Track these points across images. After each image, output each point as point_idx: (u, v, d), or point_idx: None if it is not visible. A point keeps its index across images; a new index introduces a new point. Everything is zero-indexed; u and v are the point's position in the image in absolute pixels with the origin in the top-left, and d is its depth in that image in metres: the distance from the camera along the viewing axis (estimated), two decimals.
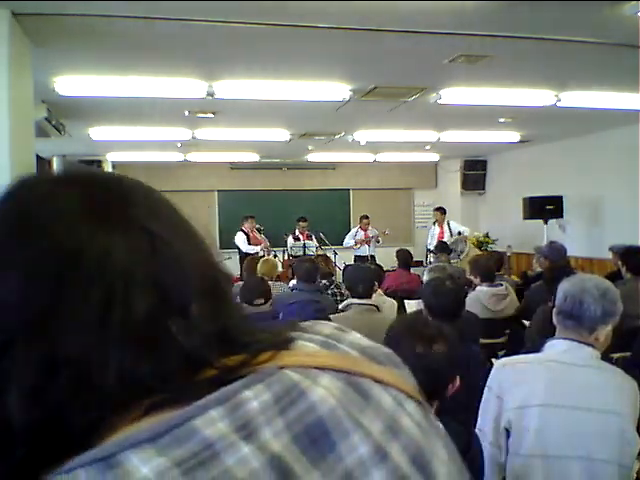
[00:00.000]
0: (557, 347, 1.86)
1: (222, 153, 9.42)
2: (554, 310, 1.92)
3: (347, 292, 3.87)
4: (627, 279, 4.26)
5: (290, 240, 8.82)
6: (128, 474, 0.40)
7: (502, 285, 4.32)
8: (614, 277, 4.76)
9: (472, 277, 4.43)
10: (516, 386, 1.77)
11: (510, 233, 9.63)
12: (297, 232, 9.00)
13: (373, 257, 9.04)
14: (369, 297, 3.53)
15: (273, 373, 0.48)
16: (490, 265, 4.46)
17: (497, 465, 1.76)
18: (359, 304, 3.46)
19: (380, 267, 5.51)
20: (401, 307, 4.35)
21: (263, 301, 3.34)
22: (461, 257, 8.15)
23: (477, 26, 3.66)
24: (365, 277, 3.59)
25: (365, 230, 9.35)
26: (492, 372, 1.87)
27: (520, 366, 1.84)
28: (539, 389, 1.74)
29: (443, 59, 4.35)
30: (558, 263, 4.67)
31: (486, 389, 1.85)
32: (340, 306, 3.61)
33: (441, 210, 9.33)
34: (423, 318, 1.56)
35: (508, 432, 1.75)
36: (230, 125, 6.96)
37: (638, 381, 3.08)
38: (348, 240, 9.52)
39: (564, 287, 1.89)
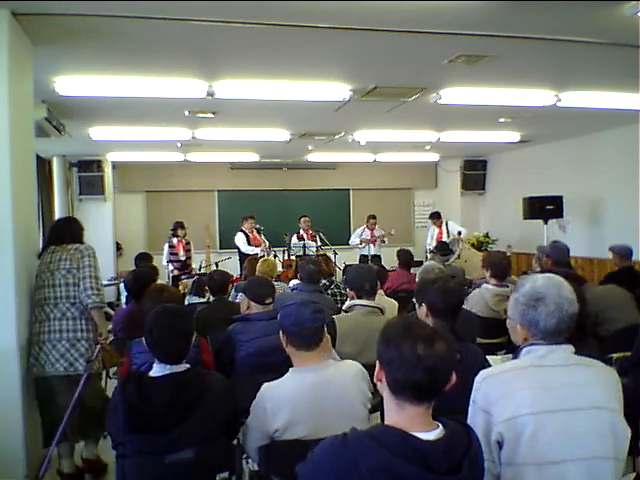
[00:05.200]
0: (535, 352, 1.82)
1: (222, 153, 9.43)
2: (527, 323, 1.84)
3: (347, 292, 3.82)
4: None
5: (294, 239, 8.82)
6: None
7: (508, 287, 4.27)
8: (615, 278, 4.77)
9: (483, 270, 4.36)
10: (502, 398, 1.72)
11: (510, 233, 9.63)
12: (301, 231, 9.02)
13: (379, 257, 9.07)
14: (373, 297, 3.49)
15: None
16: (504, 263, 4.34)
17: (493, 477, 1.73)
18: (363, 305, 3.42)
19: (383, 267, 5.51)
20: (403, 309, 4.33)
21: (271, 300, 3.36)
22: (460, 257, 8.16)
23: (477, 26, 3.66)
24: (369, 277, 3.50)
25: (372, 230, 9.35)
26: (475, 386, 1.80)
27: (502, 377, 1.78)
28: (526, 397, 1.70)
29: (443, 59, 4.35)
30: (561, 263, 4.65)
31: (471, 403, 1.80)
32: (344, 307, 3.56)
33: (436, 215, 9.34)
34: (417, 319, 1.56)
35: (499, 444, 1.71)
36: (230, 125, 6.96)
37: (639, 380, 3.08)
38: (354, 239, 9.54)
39: (546, 310, 1.79)
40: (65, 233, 3.70)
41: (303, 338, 2.28)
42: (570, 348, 1.84)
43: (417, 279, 4.65)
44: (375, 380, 1.52)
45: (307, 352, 2.29)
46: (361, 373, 2.35)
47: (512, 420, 1.68)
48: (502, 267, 4.28)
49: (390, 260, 7.43)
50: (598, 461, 1.69)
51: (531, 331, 1.84)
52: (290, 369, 2.32)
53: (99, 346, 3.50)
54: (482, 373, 1.81)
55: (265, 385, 2.28)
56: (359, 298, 3.45)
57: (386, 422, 1.47)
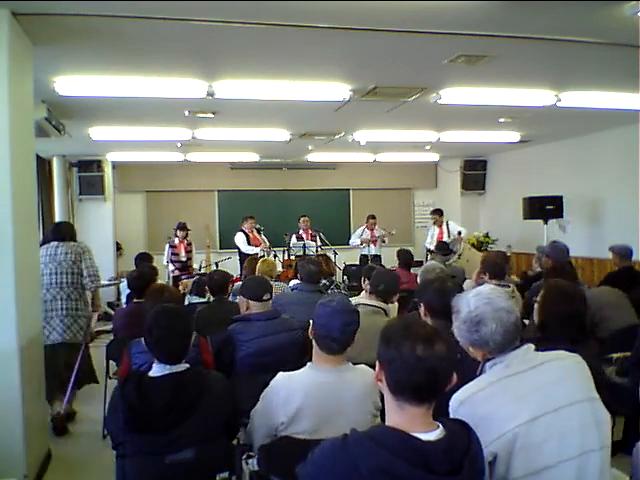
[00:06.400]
0: (500, 364, 1.82)
1: (222, 153, 9.43)
2: (478, 345, 1.85)
3: (364, 286, 3.89)
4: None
5: (293, 239, 8.83)
6: None
7: (510, 287, 4.25)
8: (615, 278, 4.77)
9: (481, 273, 4.36)
10: (485, 419, 1.67)
11: (510, 233, 9.63)
12: (301, 231, 9.02)
13: (379, 257, 9.06)
14: (382, 300, 3.58)
15: None
16: (500, 262, 4.34)
17: None
18: (366, 305, 3.43)
19: (383, 267, 5.51)
20: (403, 309, 4.33)
21: (269, 296, 3.37)
22: (460, 257, 8.17)
23: (477, 26, 3.66)
24: (386, 280, 3.65)
25: (372, 230, 9.35)
26: (451, 412, 1.76)
27: (478, 397, 1.74)
28: (508, 411, 1.68)
29: (443, 59, 4.35)
30: (561, 262, 4.65)
31: None
32: None
33: (438, 212, 9.33)
34: (418, 319, 1.56)
35: (490, 463, 1.67)
36: (230, 125, 6.96)
37: (638, 381, 3.08)
38: (354, 239, 9.54)
39: (489, 330, 1.81)
40: (66, 233, 4.75)
41: (327, 343, 2.27)
42: (530, 347, 1.84)
43: (418, 279, 4.64)
44: (375, 380, 1.52)
45: (328, 355, 2.28)
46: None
47: (500, 438, 1.65)
48: (499, 267, 4.28)
49: (390, 260, 7.43)
50: (587, 455, 1.68)
51: (484, 350, 1.86)
52: (308, 364, 2.32)
53: (96, 314, 4.78)
54: (456, 399, 1.77)
55: (281, 374, 2.29)
56: (370, 295, 3.54)
57: (387, 422, 1.47)
